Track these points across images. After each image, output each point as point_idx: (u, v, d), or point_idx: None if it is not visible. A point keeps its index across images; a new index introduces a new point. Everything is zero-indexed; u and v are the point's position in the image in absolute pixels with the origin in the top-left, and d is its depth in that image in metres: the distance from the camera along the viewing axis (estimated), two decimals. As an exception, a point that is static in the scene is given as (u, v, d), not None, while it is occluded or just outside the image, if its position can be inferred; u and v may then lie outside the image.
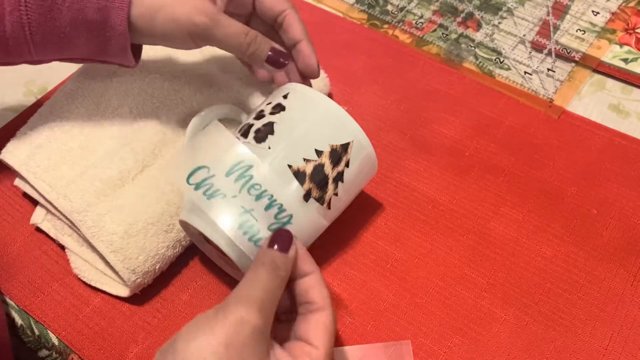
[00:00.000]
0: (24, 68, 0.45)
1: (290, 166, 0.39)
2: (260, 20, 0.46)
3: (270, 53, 0.42)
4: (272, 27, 0.46)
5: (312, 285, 0.36)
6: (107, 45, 0.42)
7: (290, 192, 0.39)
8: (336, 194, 0.41)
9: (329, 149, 0.40)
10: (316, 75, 0.45)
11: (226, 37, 0.41)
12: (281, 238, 0.36)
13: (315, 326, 0.35)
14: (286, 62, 0.43)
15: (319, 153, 0.40)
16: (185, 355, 0.30)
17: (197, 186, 0.39)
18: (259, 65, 0.43)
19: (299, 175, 0.39)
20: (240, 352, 0.30)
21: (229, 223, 0.38)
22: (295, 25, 0.44)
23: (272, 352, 0.33)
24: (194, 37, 0.41)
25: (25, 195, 0.49)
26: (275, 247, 0.35)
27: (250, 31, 0.41)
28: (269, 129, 0.40)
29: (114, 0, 0.40)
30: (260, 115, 0.42)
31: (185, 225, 0.42)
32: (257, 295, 0.33)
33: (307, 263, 0.37)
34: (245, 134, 0.41)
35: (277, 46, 0.43)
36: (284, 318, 0.39)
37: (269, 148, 0.39)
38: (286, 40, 0.45)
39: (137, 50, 0.45)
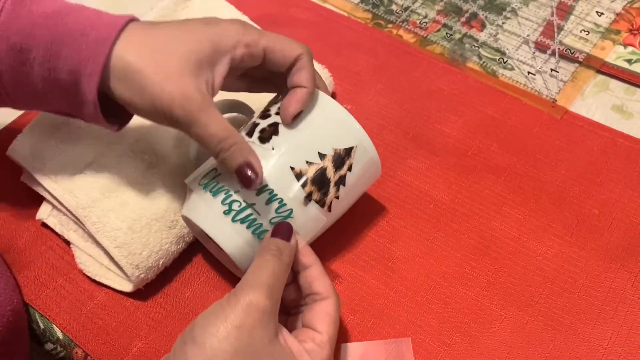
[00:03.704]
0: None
1: (292, 168, 0.40)
2: (270, 68, 0.41)
3: (242, 165, 0.38)
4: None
5: (316, 277, 0.39)
6: (81, 108, 0.39)
7: (291, 193, 0.39)
8: (337, 197, 0.41)
9: (332, 153, 0.40)
10: (285, 121, 0.40)
11: (198, 137, 0.38)
12: (282, 229, 0.38)
13: (319, 314, 0.38)
14: (256, 181, 0.38)
15: (322, 156, 0.40)
16: (203, 339, 0.33)
17: (205, 186, 0.40)
18: (227, 171, 0.39)
19: (300, 177, 0.40)
20: (250, 333, 0.33)
21: (231, 216, 0.39)
22: (304, 71, 0.40)
23: (280, 334, 0.35)
24: (167, 122, 0.38)
25: (32, 191, 0.49)
26: (279, 237, 0.38)
27: (228, 139, 0.38)
28: (273, 129, 0.41)
29: (87, 65, 0.37)
30: (266, 115, 0.42)
31: (187, 220, 0.43)
32: (264, 280, 0.35)
33: (308, 256, 0.39)
34: (250, 133, 0.41)
35: (253, 161, 0.38)
36: (293, 312, 0.41)
37: (273, 149, 0.40)
38: (289, 82, 0.41)
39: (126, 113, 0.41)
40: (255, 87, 0.45)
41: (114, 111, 0.40)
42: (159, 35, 0.38)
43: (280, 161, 0.40)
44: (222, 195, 0.39)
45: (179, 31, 0.39)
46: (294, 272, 0.40)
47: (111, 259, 0.45)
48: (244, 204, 0.39)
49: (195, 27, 0.39)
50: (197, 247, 0.47)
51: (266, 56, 0.40)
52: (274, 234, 0.38)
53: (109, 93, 0.39)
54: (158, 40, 0.38)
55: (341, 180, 0.41)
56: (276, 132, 0.40)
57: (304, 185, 0.40)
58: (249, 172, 0.38)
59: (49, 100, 0.40)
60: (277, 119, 0.41)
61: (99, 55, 0.37)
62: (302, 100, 0.40)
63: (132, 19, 0.39)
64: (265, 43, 0.40)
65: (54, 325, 0.45)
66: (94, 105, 0.38)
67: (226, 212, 0.39)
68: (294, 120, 0.40)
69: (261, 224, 0.39)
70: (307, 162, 0.40)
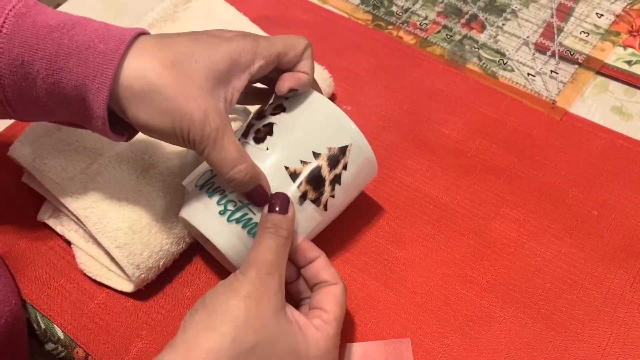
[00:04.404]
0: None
1: (287, 168, 0.40)
2: (280, 68, 0.41)
3: (256, 189, 0.38)
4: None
5: (321, 267, 0.40)
6: (88, 120, 0.38)
7: (287, 193, 0.39)
8: (333, 196, 0.41)
9: (327, 152, 0.41)
10: (279, 92, 0.41)
11: (211, 160, 0.38)
12: (279, 200, 0.39)
13: (326, 296, 0.39)
14: (266, 200, 0.39)
15: (316, 155, 0.40)
16: (214, 306, 0.35)
17: (202, 187, 0.40)
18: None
19: (295, 177, 0.40)
20: (258, 302, 0.35)
21: (226, 216, 0.39)
22: (306, 62, 0.41)
23: (288, 309, 0.37)
24: (182, 144, 0.38)
25: (33, 191, 0.49)
26: (277, 208, 0.38)
27: (241, 166, 0.37)
28: (268, 129, 0.41)
29: (94, 79, 0.35)
30: (261, 116, 0.42)
31: (185, 222, 0.43)
32: (264, 257, 0.36)
33: (312, 250, 0.41)
34: (245, 134, 0.42)
35: (263, 183, 0.39)
36: (300, 304, 0.42)
37: (267, 149, 0.40)
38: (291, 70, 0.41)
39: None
40: (248, 100, 0.45)
41: (123, 121, 0.39)
42: (174, 50, 0.36)
43: (275, 161, 0.40)
44: (217, 196, 0.40)
45: (196, 46, 0.37)
46: (298, 267, 0.41)
47: (112, 259, 0.45)
48: (239, 204, 0.39)
49: (211, 41, 0.38)
50: (197, 248, 0.47)
51: (279, 60, 0.40)
52: (271, 207, 0.38)
53: (116, 109, 0.37)
54: (174, 56, 0.36)
55: (336, 179, 0.41)
56: (270, 133, 0.41)
57: (299, 185, 0.40)
58: (260, 194, 0.39)
59: (53, 114, 0.38)
60: (272, 119, 0.41)
61: (108, 69, 0.35)
62: (301, 80, 0.41)
63: (142, 32, 0.37)
64: (278, 50, 0.40)
65: (54, 325, 0.45)
66: (102, 120, 0.37)
67: (222, 212, 0.39)
68: (287, 94, 0.41)
69: (257, 223, 0.39)
70: (301, 161, 0.40)
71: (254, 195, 0.39)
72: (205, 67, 0.36)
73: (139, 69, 0.36)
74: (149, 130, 0.37)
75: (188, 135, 0.36)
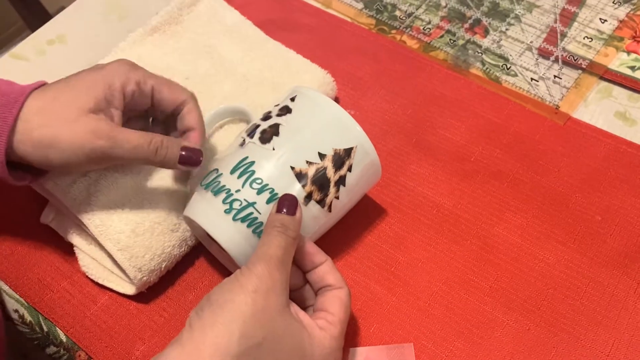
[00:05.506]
0: (34, 73, 0.45)
1: (292, 168, 0.40)
2: (159, 110, 0.45)
3: (182, 153, 0.41)
4: (171, 114, 0.45)
5: (327, 271, 0.40)
6: None
7: (292, 193, 0.40)
8: (337, 198, 0.41)
9: (332, 153, 0.41)
10: (191, 165, 0.43)
11: (128, 152, 0.40)
12: (287, 202, 0.39)
13: (331, 299, 0.39)
14: (201, 157, 0.42)
15: (322, 156, 0.41)
16: (221, 304, 0.35)
17: (207, 186, 0.41)
18: (171, 168, 0.43)
19: (300, 177, 0.40)
20: (266, 297, 0.35)
21: (231, 215, 0.39)
22: (193, 114, 0.44)
23: (292, 307, 0.37)
24: (95, 161, 0.40)
25: (35, 194, 0.49)
26: (284, 210, 0.38)
27: (154, 138, 0.41)
28: (274, 130, 0.41)
29: None
30: (267, 117, 0.43)
31: (189, 221, 0.43)
32: (273, 253, 0.37)
33: (318, 255, 0.41)
34: (251, 134, 0.42)
35: (187, 144, 0.42)
36: (306, 309, 0.42)
37: (273, 149, 0.40)
38: (179, 125, 0.44)
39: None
40: (153, 129, 0.47)
41: (24, 168, 0.42)
42: (56, 90, 0.40)
43: (281, 161, 0.40)
44: (223, 195, 0.40)
45: (73, 81, 0.41)
46: (304, 271, 0.41)
47: (114, 261, 0.45)
48: (244, 203, 0.39)
49: (86, 74, 0.42)
50: (200, 251, 0.47)
51: (154, 96, 0.43)
52: (279, 208, 0.39)
53: (17, 157, 0.40)
54: (54, 93, 0.40)
55: (341, 181, 0.41)
56: (277, 133, 0.41)
57: (304, 185, 0.40)
58: (190, 153, 0.41)
59: None
60: (278, 120, 0.42)
61: (7, 117, 0.38)
62: (197, 142, 0.43)
63: (43, 84, 0.41)
64: (153, 82, 0.43)
65: (57, 328, 0.45)
66: (1, 166, 0.39)
67: (227, 211, 0.39)
68: (182, 168, 0.42)
69: (262, 223, 0.39)
70: (307, 162, 0.40)
71: (184, 157, 0.41)
72: (83, 95, 0.40)
73: (30, 115, 0.39)
74: (53, 164, 0.40)
75: (92, 148, 0.39)
